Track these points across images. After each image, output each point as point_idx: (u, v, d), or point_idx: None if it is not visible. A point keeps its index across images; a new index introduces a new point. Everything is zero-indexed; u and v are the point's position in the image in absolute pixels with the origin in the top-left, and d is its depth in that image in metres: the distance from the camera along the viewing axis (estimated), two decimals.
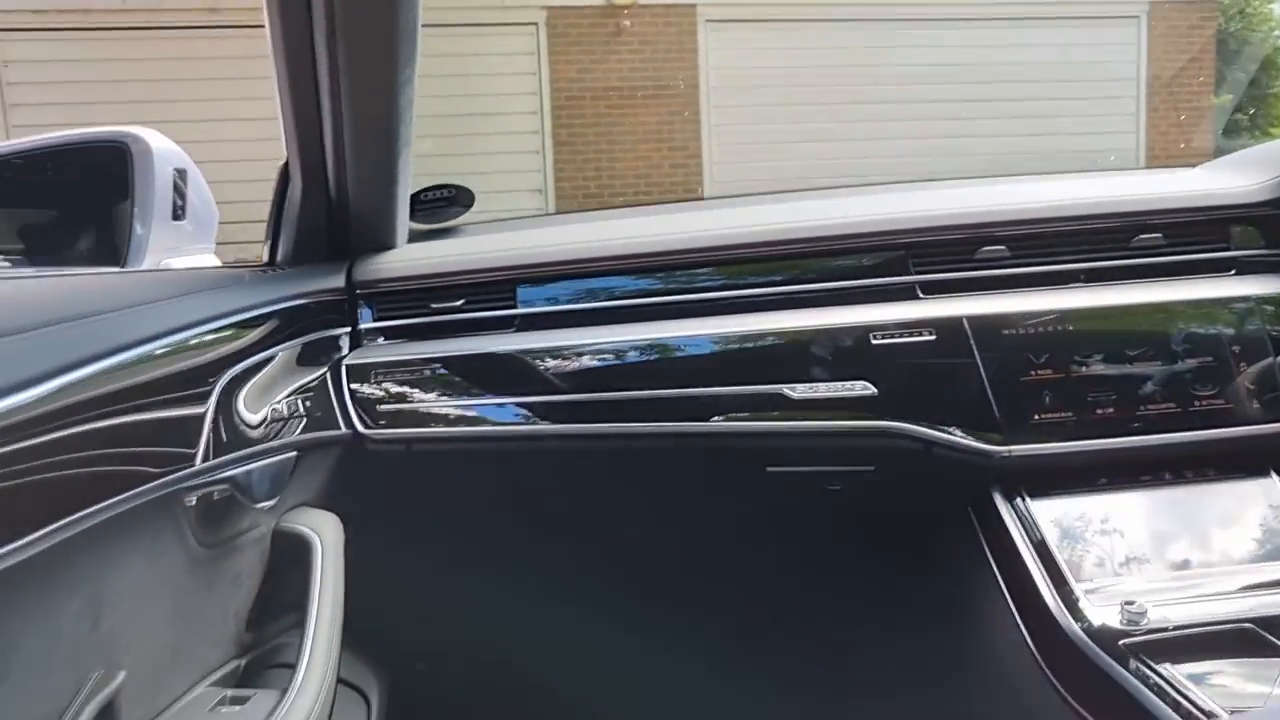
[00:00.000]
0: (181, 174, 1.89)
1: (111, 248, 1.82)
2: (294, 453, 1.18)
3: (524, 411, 1.32)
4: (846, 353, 1.28)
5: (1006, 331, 1.28)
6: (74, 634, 0.85)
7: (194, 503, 1.01)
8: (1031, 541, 1.21)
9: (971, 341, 1.27)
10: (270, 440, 1.13)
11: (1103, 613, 1.11)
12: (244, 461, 1.07)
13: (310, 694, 1.03)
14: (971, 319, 1.28)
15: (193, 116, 6.46)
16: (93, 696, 0.88)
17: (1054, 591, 1.15)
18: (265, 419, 1.13)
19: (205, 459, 0.98)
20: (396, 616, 1.32)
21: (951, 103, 7.82)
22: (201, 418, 0.98)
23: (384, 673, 1.42)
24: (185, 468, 0.95)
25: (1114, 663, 1.05)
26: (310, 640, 1.09)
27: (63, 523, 0.76)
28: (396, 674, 1.45)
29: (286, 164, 1.30)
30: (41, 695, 0.81)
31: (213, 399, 1.00)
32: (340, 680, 1.30)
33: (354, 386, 1.32)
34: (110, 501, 0.83)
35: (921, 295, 1.33)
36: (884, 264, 1.34)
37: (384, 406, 1.32)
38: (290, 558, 1.20)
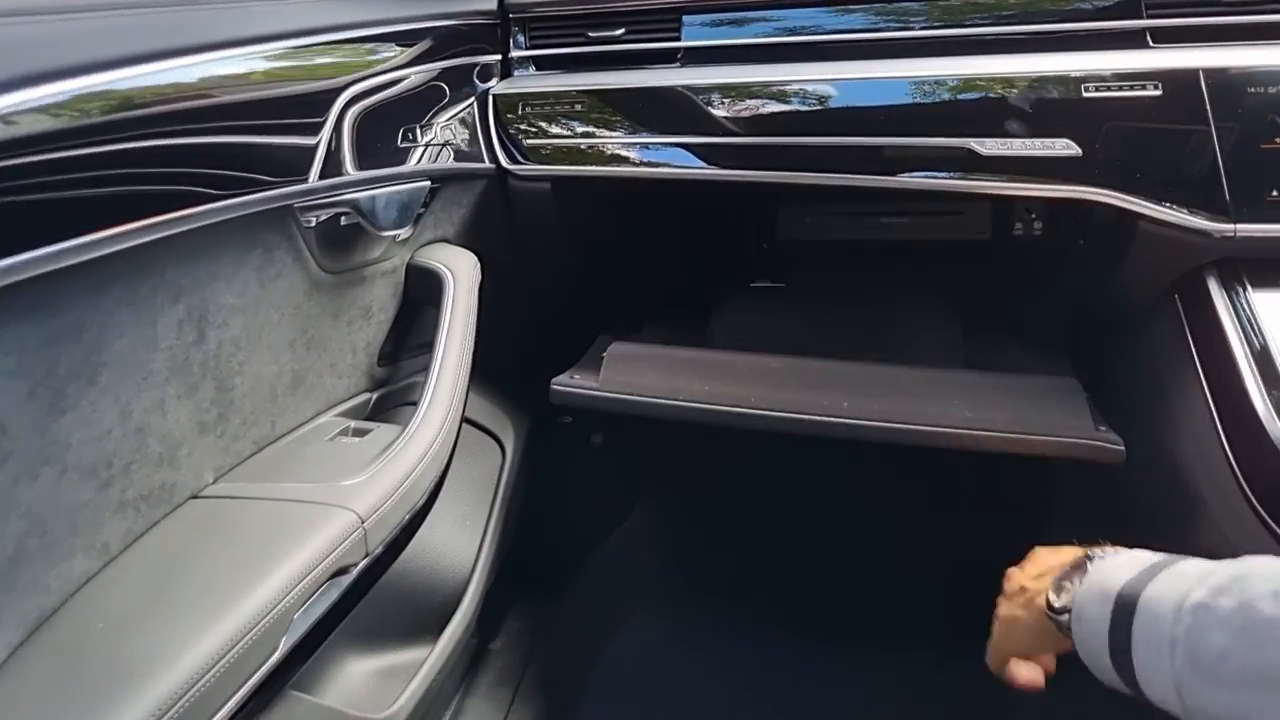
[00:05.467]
0: None
1: None
2: (427, 182, 1.11)
3: (685, 153, 1.20)
4: (1051, 105, 1.10)
5: (1252, 89, 1.06)
6: (172, 343, 0.83)
7: (314, 224, 0.96)
8: (1246, 340, 1.05)
9: (1206, 99, 1.06)
10: (402, 167, 1.07)
11: None
12: (370, 185, 1.01)
13: (430, 430, 1.00)
14: (1210, 72, 1.07)
15: None
16: (191, 410, 0.86)
17: (1266, 399, 0.99)
18: (396, 144, 1.06)
19: (323, 176, 0.93)
20: (533, 363, 1.28)
21: None
22: (318, 131, 0.92)
23: (520, 420, 1.40)
24: (298, 182, 0.89)
25: None
26: (435, 378, 1.05)
27: (152, 221, 0.72)
28: (532, 422, 1.42)
29: None
30: (131, 405, 0.79)
31: (332, 113, 0.94)
32: (473, 423, 1.28)
33: (501, 117, 1.23)
34: (208, 207, 0.78)
35: (1153, 43, 1.12)
36: (1112, 5, 1.13)
37: (532, 141, 1.23)
38: (424, 293, 1.15)
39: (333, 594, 0.83)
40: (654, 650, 1.56)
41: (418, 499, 0.97)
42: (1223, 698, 0.63)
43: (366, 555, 0.87)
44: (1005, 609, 0.92)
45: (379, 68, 1.03)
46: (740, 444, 1.21)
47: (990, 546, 1.55)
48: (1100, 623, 0.74)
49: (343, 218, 1.01)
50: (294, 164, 0.90)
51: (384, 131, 1.04)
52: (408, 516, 0.95)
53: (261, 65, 0.87)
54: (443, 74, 1.15)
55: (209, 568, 0.80)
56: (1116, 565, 0.77)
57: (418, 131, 1.10)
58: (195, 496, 0.88)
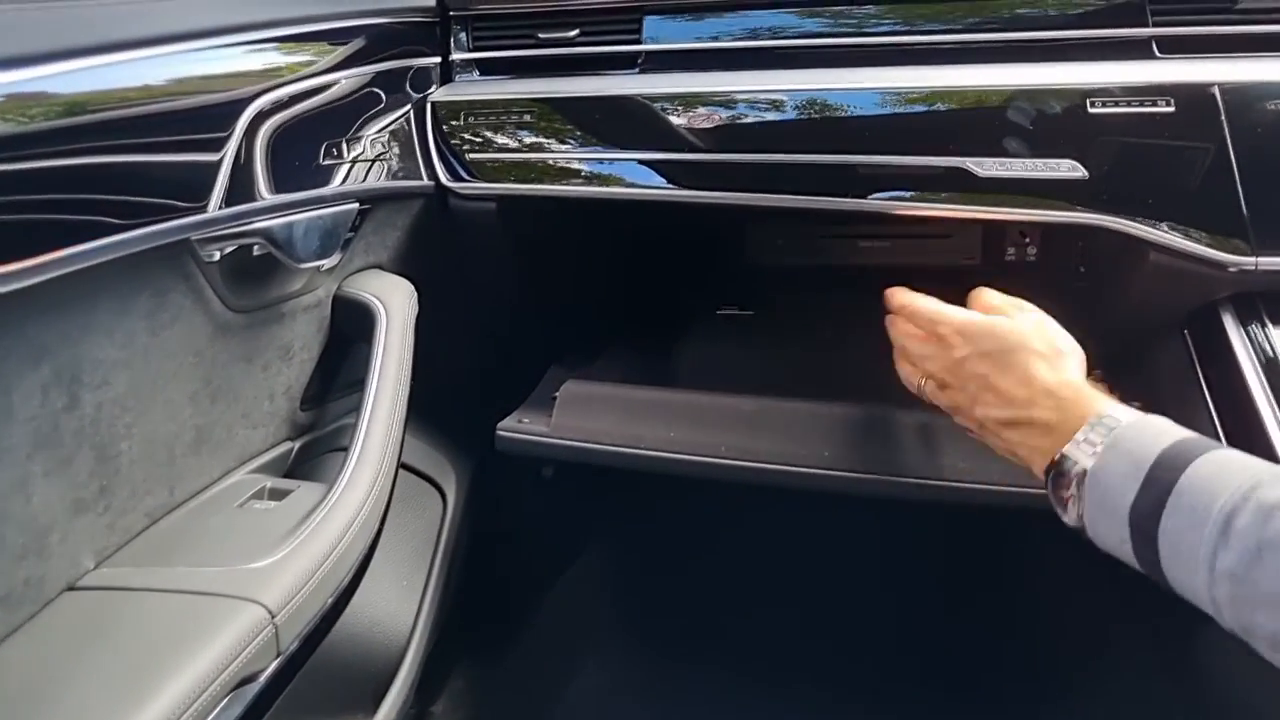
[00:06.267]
0: None
1: None
2: (355, 204, 0.98)
3: (646, 170, 1.07)
4: (1054, 121, 0.99)
5: (1273, 105, 0.96)
6: (35, 412, 0.69)
7: (217, 259, 0.82)
8: (1267, 382, 0.94)
9: (1223, 116, 0.96)
10: (324, 188, 0.93)
11: None
12: (286, 211, 0.88)
13: (360, 490, 0.87)
14: (1225, 87, 0.96)
15: None
16: (63, 488, 0.72)
17: None
18: (318, 162, 0.93)
19: (227, 203, 0.79)
20: (477, 401, 1.15)
21: None
22: (219, 150, 0.78)
23: (464, 464, 1.26)
24: (194, 211, 0.76)
25: None
26: (365, 427, 0.92)
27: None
28: (475, 465, 1.29)
29: None
30: None
31: (238, 128, 0.80)
32: (411, 469, 1.15)
33: (440, 128, 1.10)
34: (79, 249, 0.65)
35: (1160, 54, 1.01)
36: (1113, 9, 1.03)
37: (475, 155, 1.09)
38: (354, 327, 1.02)
39: (235, 709, 0.70)
40: (607, 700, 1.44)
41: (343, 577, 0.84)
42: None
43: (278, 655, 0.74)
44: (979, 407, 0.81)
45: (297, 74, 0.89)
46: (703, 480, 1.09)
47: (973, 593, 1.47)
48: (1123, 494, 0.64)
49: (255, 248, 0.87)
50: (190, 191, 0.76)
51: (303, 148, 0.90)
52: (331, 600, 0.82)
53: (150, 74, 0.73)
54: (373, 80, 1.02)
55: (82, 682, 0.66)
56: (1144, 432, 0.67)
57: (344, 147, 0.96)
58: (72, 588, 0.75)
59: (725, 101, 1.05)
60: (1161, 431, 0.67)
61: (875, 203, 1.02)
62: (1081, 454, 0.70)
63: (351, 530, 0.84)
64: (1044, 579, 1.46)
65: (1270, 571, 0.54)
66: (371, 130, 1.02)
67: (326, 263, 0.96)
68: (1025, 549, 1.44)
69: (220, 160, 0.78)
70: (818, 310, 1.22)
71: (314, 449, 1.05)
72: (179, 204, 0.75)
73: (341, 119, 0.97)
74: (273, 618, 0.73)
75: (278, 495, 0.91)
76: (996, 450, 0.83)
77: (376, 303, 1.00)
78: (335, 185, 0.95)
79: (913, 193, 1.02)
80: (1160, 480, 0.62)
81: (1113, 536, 0.66)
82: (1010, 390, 0.79)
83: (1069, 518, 0.71)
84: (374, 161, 1.01)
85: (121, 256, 0.69)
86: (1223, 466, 0.61)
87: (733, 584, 1.60)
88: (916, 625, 1.49)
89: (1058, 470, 0.71)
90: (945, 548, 1.50)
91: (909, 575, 1.53)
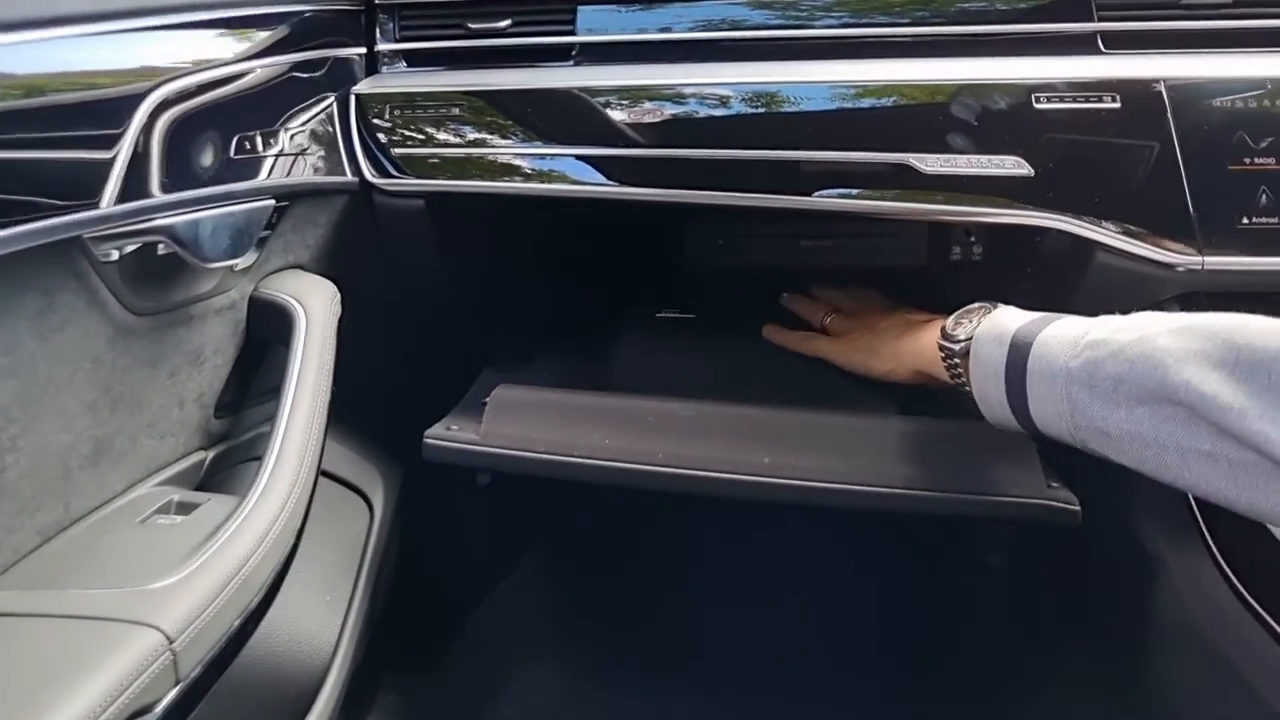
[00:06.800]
0: None
1: None
2: (270, 201, 0.93)
3: (581, 166, 1.03)
4: (999, 118, 0.96)
5: (1218, 103, 0.94)
6: None
7: (115, 258, 0.77)
8: None
9: (1169, 113, 0.94)
10: (235, 184, 0.88)
11: None
12: (191, 208, 0.82)
13: (274, 502, 0.82)
14: (1172, 84, 0.94)
15: None
16: None
17: None
18: (229, 155, 0.87)
19: (123, 199, 0.74)
20: (406, 407, 1.10)
21: None
22: (115, 143, 0.73)
23: (392, 473, 1.21)
24: (86, 207, 0.70)
25: None
26: (281, 434, 0.87)
27: None
28: (405, 473, 1.24)
29: None
30: None
31: (136, 119, 0.74)
32: (336, 478, 1.10)
33: (365, 122, 1.05)
34: None
35: (1105, 49, 0.99)
36: (1058, 4, 1.00)
37: (402, 150, 1.04)
38: (271, 330, 0.97)
39: None
40: (550, 709, 1.40)
41: (253, 596, 0.78)
42: (1117, 414, 0.71)
43: (177, 683, 0.69)
44: (875, 322, 1.05)
45: (207, 63, 0.84)
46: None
47: (923, 604, 1.44)
48: (997, 362, 0.81)
49: (159, 247, 0.82)
50: (80, 186, 0.70)
51: (211, 141, 0.85)
52: (238, 622, 0.77)
53: (39, 60, 0.68)
54: (292, 70, 0.96)
55: None
56: (1013, 313, 0.85)
57: (258, 140, 0.91)
58: None
59: (663, 95, 1.01)
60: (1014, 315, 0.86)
61: (819, 200, 0.99)
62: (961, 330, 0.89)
63: (264, 545, 0.79)
64: (987, 585, 1.44)
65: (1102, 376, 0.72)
66: (289, 123, 0.97)
67: (240, 262, 0.91)
68: (966, 551, 1.43)
69: (115, 154, 0.73)
70: (761, 313, 1.18)
71: (229, 459, 0.99)
72: (67, 200, 0.69)
73: (256, 111, 0.92)
74: (170, 643, 0.67)
75: (185, 509, 0.85)
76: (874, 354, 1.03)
77: (295, 304, 0.95)
78: (248, 181, 0.89)
79: (857, 190, 0.98)
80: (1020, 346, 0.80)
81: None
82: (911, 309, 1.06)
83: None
84: (292, 156, 0.96)
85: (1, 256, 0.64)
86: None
87: (679, 589, 1.56)
88: (859, 628, 1.47)
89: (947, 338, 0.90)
90: (888, 550, 1.48)
91: (853, 576, 1.51)
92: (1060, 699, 1.22)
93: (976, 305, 0.90)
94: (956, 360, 0.88)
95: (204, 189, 0.84)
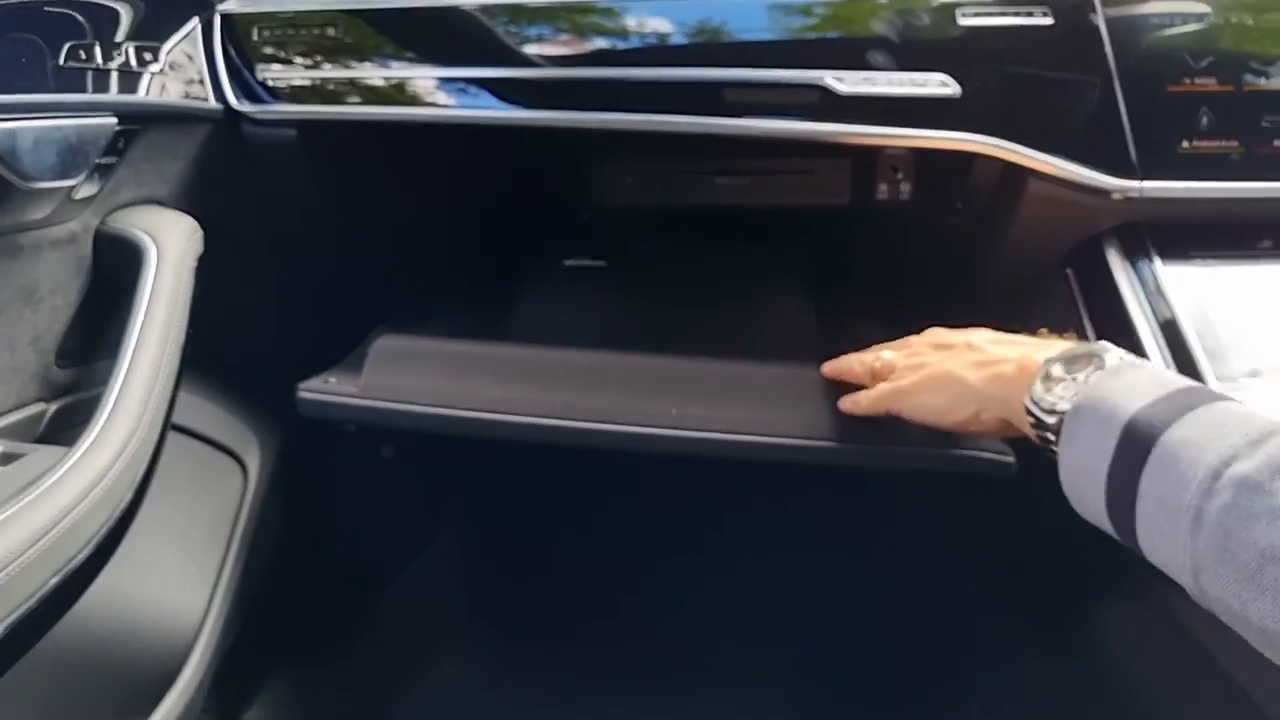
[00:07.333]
0: None
1: None
2: (111, 120, 0.82)
3: (471, 90, 0.94)
4: (921, 33, 0.88)
5: (1155, 18, 0.87)
6: None
7: None
8: (1154, 321, 0.85)
9: (1104, 31, 0.87)
10: (65, 94, 0.78)
11: None
12: (7, 114, 0.72)
13: (110, 447, 0.72)
14: None
15: None
16: None
17: None
18: (56, 62, 0.77)
19: None
20: (291, 364, 1.00)
21: None
22: None
23: (270, 434, 1.11)
24: None
25: None
26: (121, 381, 0.77)
27: None
28: (286, 436, 1.13)
29: None
30: None
31: None
32: (202, 437, 1.00)
33: (231, 44, 0.95)
34: None
35: None
36: None
37: (272, 74, 0.95)
38: (119, 269, 0.87)
39: None
40: (459, 699, 1.31)
41: (75, 552, 0.68)
42: (1262, 606, 0.48)
43: None
44: (942, 362, 0.76)
45: None
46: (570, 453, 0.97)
47: (858, 578, 1.37)
48: (1099, 456, 0.58)
49: None
50: None
51: (31, 44, 0.75)
52: (55, 580, 0.67)
53: None
54: None
55: None
56: (1130, 378, 0.60)
57: (95, 51, 0.81)
58: None
59: (560, 12, 0.92)
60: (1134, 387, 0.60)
61: (724, 123, 0.90)
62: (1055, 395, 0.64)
63: (92, 496, 0.69)
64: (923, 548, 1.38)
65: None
66: (140, 39, 0.87)
67: (79, 189, 0.80)
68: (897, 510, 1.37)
69: None
70: (674, 258, 1.10)
71: (76, 413, 0.89)
72: None
73: (94, 19, 0.82)
74: None
75: (7, 460, 0.75)
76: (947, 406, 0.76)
77: (146, 238, 0.85)
78: (81, 94, 0.79)
79: (765, 111, 0.90)
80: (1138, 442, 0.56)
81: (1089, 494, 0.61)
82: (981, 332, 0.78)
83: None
84: (142, 75, 0.86)
85: None
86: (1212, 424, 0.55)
87: (601, 571, 1.48)
88: (796, 618, 1.39)
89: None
90: (821, 515, 1.41)
91: (788, 558, 1.44)
92: (1013, 669, 1.15)
93: (1082, 350, 0.65)
94: (1049, 434, 0.64)
95: (22, 95, 0.73)
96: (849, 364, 0.86)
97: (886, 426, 0.84)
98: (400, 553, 1.43)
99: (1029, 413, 0.65)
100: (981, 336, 0.77)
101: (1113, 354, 0.64)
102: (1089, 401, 0.60)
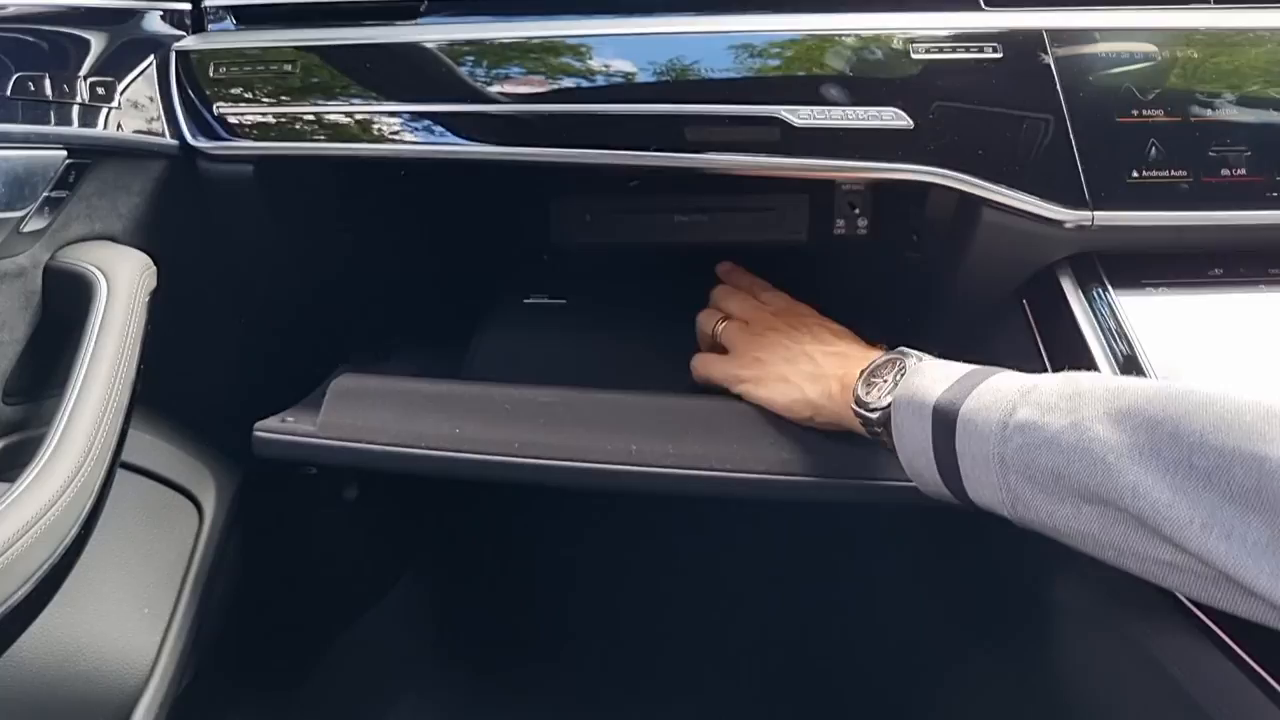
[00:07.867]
0: None
1: None
2: (61, 152, 0.82)
3: (428, 126, 0.94)
4: (875, 68, 0.90)
5: (1103, 53, 0.89)
6: None
7: None
8: (1110, 350, 0.86)
9: (1053, 65, 0.88)
10: (10, 124, 0.77)
11: None
12: None
13: (54, 483, 0.71)
14: (1055, 34, 0.89)
15: None
16: None
17: None
18: (6, 96, 0.77)
19: None
20: (250, 404, 0.99)
21: None
22: None
23: (228, 475, 1.09)
24: None
25: None
26: (69, 411, 0.76)
27: None
28: (244, 477, 1.12)
29: None
30: None
31: None
32: (157, 477, 0.98)
33: (187, 80, 0.95)
34: None
35: (985, 5, 0.93)
36: None
37: (229, 110, 0.95)
38: (69, 305, 0.86)
39: None
40: None
41: (13, 589, 0.67)
42: (1063, 511, 0.63)
43: None
44: (781, 365, 0.90)
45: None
46: (536, 491, 0.96)
47: (816, 607, 1.37)
48: (923, 440, 0.72)
49: None
50: None
51: None
52: None
53: None
54: (100, 15, 0.87)
55: None
56: (931, 378, 0.75)
57: (45, 83, 0.80)
58: None
59: (516, 49, 0.93)
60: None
61: (681, 158, 0.91)
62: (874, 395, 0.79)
63: (32, 533, 0.68)
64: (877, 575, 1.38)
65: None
66: (97, 74, 0.86)
67: (21, 218, 0.79)
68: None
69: None
70: (635, 295, 1.10)
71: (22, 451, 0.87)
72: None
73: (48, 53, 0.82)
74: None
75: None
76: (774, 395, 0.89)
77: (96, 272, 0.84)
78: (29, 126, 0.79)
79: (723, 147, 0.91)
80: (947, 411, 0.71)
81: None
82: (811, 331, 0.93)
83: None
84: (96, 109, 0.86)
85: None
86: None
87: (570, 612, 1.47)
88: (756, 637, 1.40)
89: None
90: (788, 543, 1.41)
91: (755, 587, 1.44)
92: (971, 694, 1.15)
93: (884, 359, 0.80)
94: (877, 429, 0.78)
95: None
96: (700, 324, 1.01)
97: (845, 461, 0.85)
98: (362, 594, 1.41)
99: (857, 415, 0.79)
100: (815, 345, 0.90)
101: (911, 357, 0.79)
102: (903, 397, 0.75)
